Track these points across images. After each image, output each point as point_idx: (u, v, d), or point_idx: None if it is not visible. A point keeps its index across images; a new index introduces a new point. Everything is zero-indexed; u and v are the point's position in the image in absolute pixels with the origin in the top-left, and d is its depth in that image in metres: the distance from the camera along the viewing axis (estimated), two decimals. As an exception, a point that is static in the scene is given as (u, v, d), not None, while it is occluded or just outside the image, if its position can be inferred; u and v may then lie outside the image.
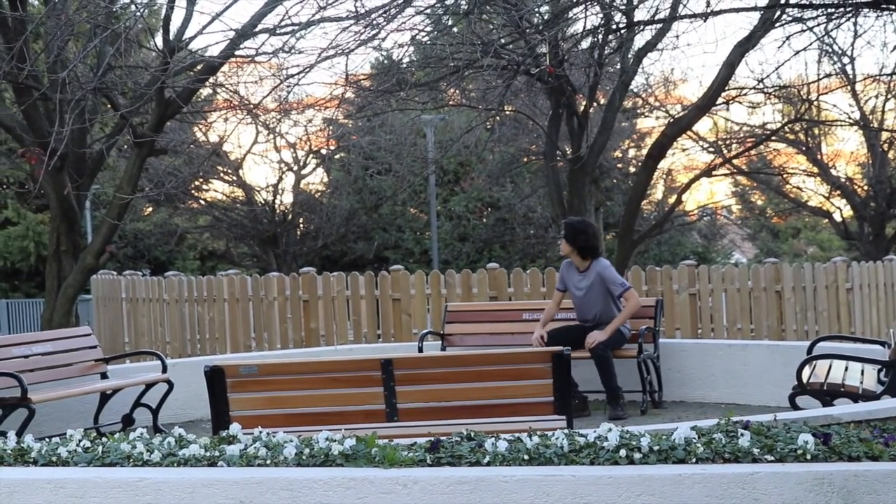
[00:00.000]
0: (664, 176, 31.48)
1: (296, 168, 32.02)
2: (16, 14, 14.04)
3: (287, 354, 12.15)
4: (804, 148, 26.77)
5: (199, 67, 15.29)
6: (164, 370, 9.82)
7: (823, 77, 22.00)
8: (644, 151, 26.03)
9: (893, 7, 12.37)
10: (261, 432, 5.15)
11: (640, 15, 15.66)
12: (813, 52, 21.42)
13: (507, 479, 4.50)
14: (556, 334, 9.93)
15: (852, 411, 5.90)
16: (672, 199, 27.29)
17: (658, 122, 27.79)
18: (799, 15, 14.26)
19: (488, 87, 17.92)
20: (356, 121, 28.83)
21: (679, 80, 28.76)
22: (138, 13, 14.58)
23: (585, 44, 17.07)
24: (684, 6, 14.67)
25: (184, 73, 15.24)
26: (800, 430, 4.90)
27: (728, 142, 26.07)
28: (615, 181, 32.22)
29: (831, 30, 16.62)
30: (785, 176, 28.77)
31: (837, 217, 29.05)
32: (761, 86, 20.33)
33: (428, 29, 15.24)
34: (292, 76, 13.56)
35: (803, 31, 15.31)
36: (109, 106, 16.37)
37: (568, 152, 18.46)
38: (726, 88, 18.23)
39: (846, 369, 8.18)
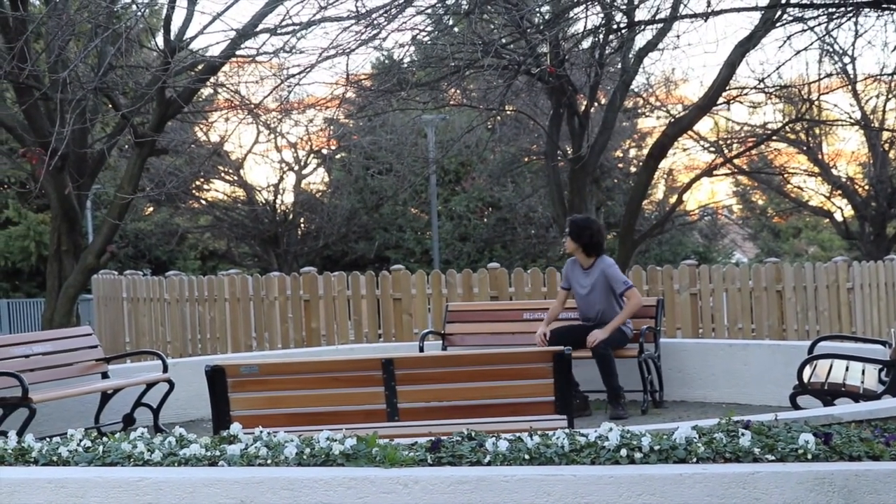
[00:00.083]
0: (665, 176, 31.47)
1: (297, 168, 32.03)
2: (17, 14, 14.05)
3: (288, 354, 12.15)
4: (805, 148, 26.78)
5: (199, 67, 15.29)
6: (165, 370, 9.82)
7: (824, 77, 21.99)
8: (645, 151, 26.03)
9: (894, 7, 12.36)
10: (261, 432, 5.15)
11: (641, 15, 15.67)
12: (814, 51, 21.42)
13: (507, 478, 4.50)
14: (559, 333, 9.93)
15: (853, 411, 5.90)
16: (673, 199, 27.30)
17: (659, 121, 27.82)
18: (800, 15, 14.25)
19: (489, 86, 17.91)
20: (357, 120, 28.85)
21: (680, 80, 28.75)
22: (139, 13, 14.59)
23: (586, 43, 17.08)
24: (685, 6, 14.69)
25: (185, 73, 15.24)
26: (801, 430, 4.90)
27: (729, 141, 26.08)
28: (616, 181, 32.22)
29: (832, 29, 16.61)
30: (786, 176, 28.77)
31: (838, 217, 29.06)
32: (762, 85, 20.33)
33: (429, 29, 15.23)
34: (293, 76, 13.56)
35: (804, 30, 15.31)
36: (110, 106, 16.38)
37: (569, 152, 18.47)
38: (727, 88, 18.23)
39: (847, 369, 8.17)
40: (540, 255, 32.68)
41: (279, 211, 31.36)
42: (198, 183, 31.67)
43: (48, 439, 5.29)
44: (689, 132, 22.77)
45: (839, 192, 27.89)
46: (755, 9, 14.30)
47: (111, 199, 18.89)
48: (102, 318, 17.00)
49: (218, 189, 33.20)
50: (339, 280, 14.88)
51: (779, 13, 14.94)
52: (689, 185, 24.87)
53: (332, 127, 29.75)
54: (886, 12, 13.41)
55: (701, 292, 14.29)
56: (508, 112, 22.20)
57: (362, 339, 14.58)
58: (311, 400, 6.92)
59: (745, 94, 20.91)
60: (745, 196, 35.93)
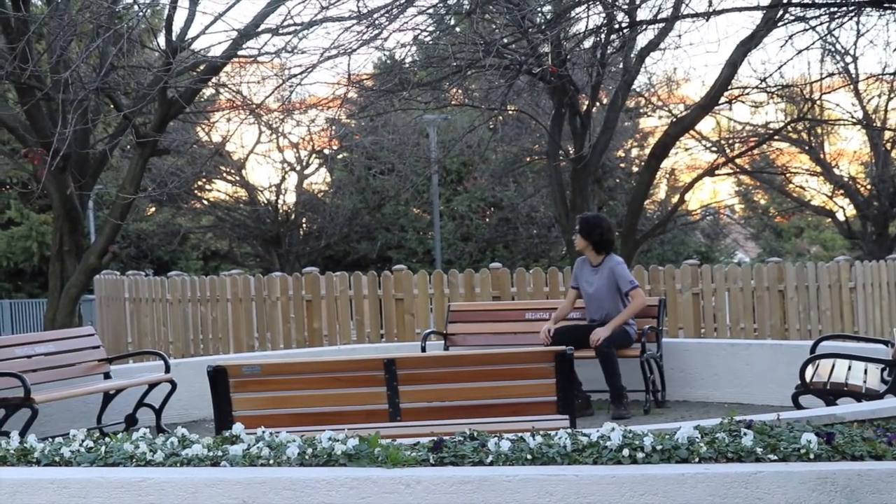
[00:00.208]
0: (667, 175, 31.47)
1: (299, 168, 32.03)
2: (19, 14, 14.05)
3: (290, 354, 12.15)
4: (807, 147, 26.78)
5: (201, 67, 15.29)
6: (167, 370, 9.82)
7: (826, 76, 22.00)
8: (647, 151, 26.02)
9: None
10: (264, 432, 5.15)
11: (643, 14, 15.66)
12: (815, 51, 21.42)
13: (510, 478, 4.50)
14: (562, 332, 9.94)
15: (855, 410, 5.90)
16: (675, 199, 27.29)
17: (661, 121, 27.81)
18: (801, 14, 14.25)
19: (491, 86, 17.91)
20: (359, 120, 28.85)
21: (682, 80, 28.85)
22: (141, 13, 14.58)
23: (588, 43, 17.08)
24: (686, 5, 14.66)
25: (186, 74, 15.24)
26: (803, 430, 4.89)
27: (731, 141, 26.08)
28: (618, 181, 32.22)
29: (834, 29, 16.60)
30: (788, 175, 28.76)
31: (840, 216, 29.06)
32: (764, 85, 20.32)
33: (430, 29, 15.23)
34: (295, 76, 13.56)
35: (806, 30, 15.32)
36: (112, 106, 16.38)
37: (571, 152, 18.45)
38: (729, 88, 18.22)
39: (849, 368, 8.17)
40: (542, 254, 32.68)
41: (281, 211, 31.37)
42: (200, 183, 31.68)
43: (50, 440, 5.29)
44: (691, 132, 22.77)
45: (841, 191, 27.89)
46: (757, 8, 14.31)
47: (113, 200, 18.90)
48: (104, 319, 17.01)
49: (220, 189, 33.23)
50: (341, 280, 14.88)
51: (780, 13, 14.94)
52: (691, 185, 24.86)
53: (333, 127, 29.76)
54: (888, 11, 13.39)
55: (703, 292, 14.29)
56: (510, 112, 22.19)
57: (364, 339, 14.58)
58: (313, 400, 6.92)
59: (747, 94, 20.92)
60: (747, 196, 35.93)
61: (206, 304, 15.36)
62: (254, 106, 17.77)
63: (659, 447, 4.68)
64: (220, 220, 31.70)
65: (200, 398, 9.50)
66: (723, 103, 19.78)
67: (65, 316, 15.62)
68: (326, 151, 32.29)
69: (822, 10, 13.44)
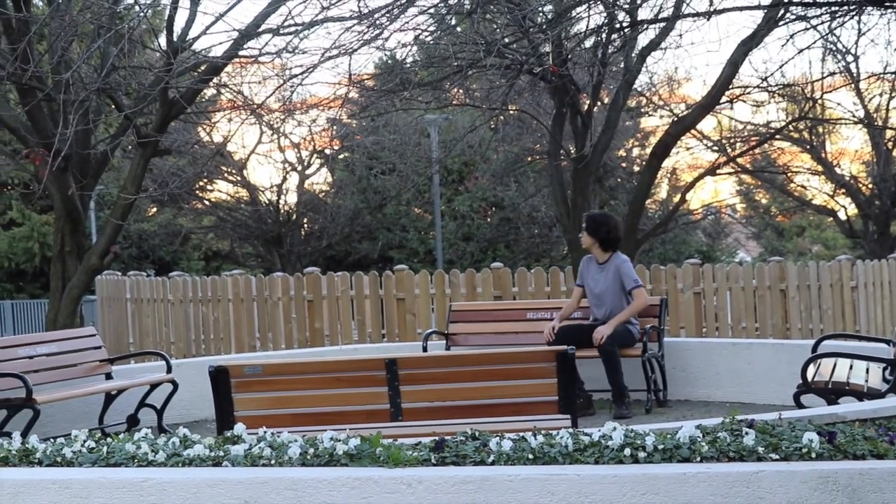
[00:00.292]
0: (668, 175, 31.47)
1: (300, 168, 32.04)
2: (19, 15, 14.05)
3: (291, 354, 12.16)
4: (808, 146, 26.77)
5: (202, 68, 15.29)
6: (169, 370, 9.82)
7: (827, 75, 21.98)
8: (648, 150, 26.00)
9: (897, 5, 12.33)
10: (265, 432, 5.15)
11: (644, 14, 15.64)
12: (817, 50, 21.42)
13: (511, 478, 4.50)
14: (566, 331, 9.95)
15: (857, 409, 5.90)
16: (676, 198, 27.29)
17: (662, 120, 27.78)
18: (802, 13, 14.23)
19: (492, 86, 17.91)
20: (360, 120, 28.85)
21: (683, 79, 28.84)
22: (142, 14, 14.58)
23: (589, 43, 17.06)
24: (687, 5, 14.64)
25: (187, 74, 15.24)
26: (805, 429, 4.89)
27: (732, 140, 26.07)
28: (619, 180, 32.21)
29: (835, 28, 16.59)
30: (789, 174, 28.76)
31: (842, 215, 29.05)
32: (765, 84, 20.32)
33: (431, 28, 15.21)
34: (296, 76, 13.54)
35: (807, 29, 15.30)
36: (113, 106, 16.37)
37: (572, 151, 18.44)
38: (730, 87, 18.21)
39: (851, 367, 8.17)
40: (543, 254, 32.68)
41: (282, 211, 31.37)
42: (201, 183, 31.68)
43: (52, 440, 5.29)
44: (693, 131, 22.76)
45: (842, 190, 27.88)
46: (758, 8, 14.29)
47: (114, 200, 18.89)
48: (106, 319, 17.01)
49: (221, 189, 33.24)
50: (342, 280, 14.89)
51: (781, 12, 14.92)
52: (692, 185, 24.87)
53: (335, 127, 29.76)
54: (889, 11, 13.38)
55: (704, 291, 14.29)
56: (511, 112, 22.18)
57: (366, 339, 14.59)
58: (314, 400, 6.92)
59: (748, 93, 20.91)
60: (748, 195, 35.92)
61: (207, 304, 15.37)
62: (255, 106, 17.77)
63: (660, 446, 4.68)
64: (221, 220, 31.70)
65: (202, 398, 9.50)
66: (724, 103, 19.77)
67: (66, 316, 15.62)
68: (328, 151, 32.29)
69: (823, 9, 13.42)
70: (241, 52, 14.84)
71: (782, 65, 29.53)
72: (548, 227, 31.77)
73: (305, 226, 33.01)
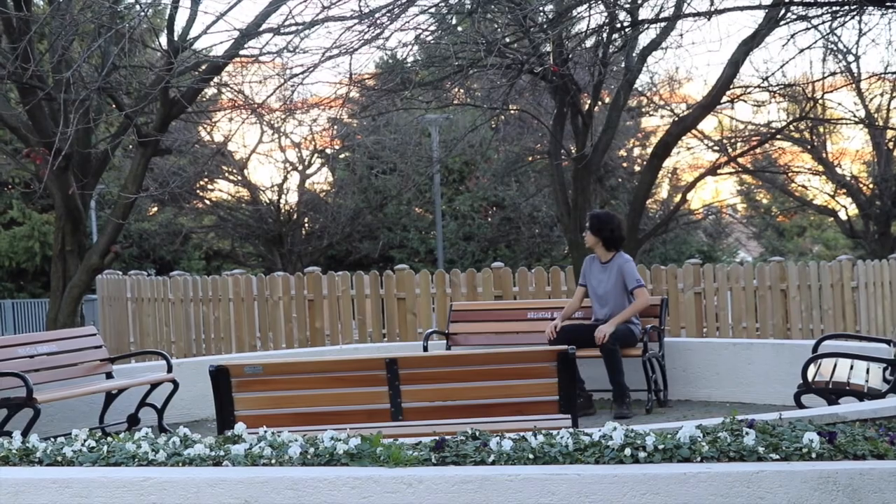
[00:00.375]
0: (669, 175, 31.47)
1: (300, 167, 32.02)
2: (20, 14, 14.05)
3: (292, 354, 12.16)
4: (809, 146, 26.76)
5: (203, 67, 15.28)
6: (170, 370, 9.82)
7: (828, 75, 21.94)
8: (649, 150, 26.01)
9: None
10: (266, 432, 5.15)
11: (645, 13, 15.62)
12: (818, 50, 21.41)
13: (511, 478, 4.50)
14: (568, 330, 9.95)
15: (857, 410, 5.90)
16: (677, 198, 27.26)
17: (663, 120, 27.79)
18: (803, 13, 14.21)
19: (493, 86, 17.89)
20: (361, 120, 28.84)
21: (684, 79, 28.85)
22: (143, 13, 14.58)
23: (590, 42, 17.05)
24: (688, 4, 14.62)
25: (188, 73, 15.23)
26: (805, 429, 4.89)
27: (733, 140, 26.05)
28: (620, 180, 32.20)
29: (836, 28, 16.56)
30: (790, 174, 28.75)
31: (843, 215, 29.03)
32: (766, 84, 20.30)
33: (432, 28, 15.22)
34: (296, 75, 13.52)
35: (808, 29, 15.27)
36: (114, 106, 16.36)
37: (572, 151, 18.44)
38: (731, 87, 18.18)
39: (851, 368, 8.17)
40: (544, 254, 32.67)
41: (283, 211, 31.36)
42: (202, 183, 31.67)
43: (53, 439, 5.29)
44: (693, 131, 22.74)
45: (843, 190, 27.87)
46: (758, 7, 14.27)
47: (115, 199, 18.88)
48: (107, 319, 17.02)
49: (222, 189, 33.22)
50: (343, 280, 14.89)
51: (782, 12, 14.91)
52: (693, 184, 24.83)
53: (335, 126, 29.75)
54: (890, 10, 13.37)
55: (705, 291, 14.29)
56: (512, 111, 22.16)
57: (366, 338, 14.59)
58: (315, 400, 6.92)
59: (749, 93, 20.88)
60: (749, 195, 35.91)
61: (208, 303, 15.37)
62: (255, 105, 17.76)
63: (661, 446, 4.68)
64: (222, 219, 31.69)
65: (202, 398, 9.50)
66: (725, 102, 19.74)
67: (67, 316, 15.61)
68: (328, 151, 32.27)
69: (824, 9, 13.41)
70: (241, 52, 14.84)
71: (783, 65, 29.53)
72: (548, 227, 31.76)
73: (306, 225, 33.00)
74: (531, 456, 4.70)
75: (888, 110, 25.67)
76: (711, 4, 12.35)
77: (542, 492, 4.46)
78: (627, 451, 4.65)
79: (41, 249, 32.95)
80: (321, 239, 31.84)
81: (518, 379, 6.87)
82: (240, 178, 31.31)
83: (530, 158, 29.31)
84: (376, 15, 11.14)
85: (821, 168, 27.62)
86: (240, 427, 5.22)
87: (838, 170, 27.82)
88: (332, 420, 6.53)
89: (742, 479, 4.43)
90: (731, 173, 27.51)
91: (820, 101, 22.68)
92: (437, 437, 4.92)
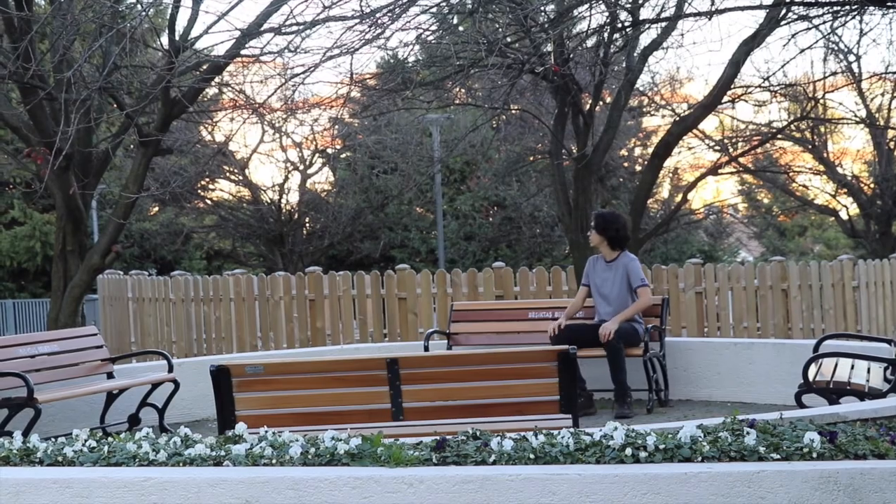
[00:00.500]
0: (670, 174, 31.46)
1: (302, 167, 32.01)
2: (21, 14, 14.05)
3: (293, 354, 12.16)
4: (810, 146, 26.76)
5: (204, 67, 15.28)
6: (171, 370, 9.82)
7: (829, 75, 21.97)
8: (650, 150, 25.99)
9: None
10: (266, 432, 5.15)
11: (646, 13, 15.62)
12: (819, 50, 21.44)
13: (512, 478, 4.50)
14: (571, 329, 9.95)
15: (858, 409, 5.90)
16: (678, 198, 27.25)
17: (664, 120, 27.79)
18: (804, 13, 14.22)
19: (494, 85, 17.89)
20: (362, 120, 28.84)
21: (685, 79, 28.75)
22: (144, 13, 14.58)
23: (591, 42, 17.05)
24: (689, 4, 14.62)
25: (189, 73, 15.24)
26: (806, 429, 4.89)
27: (734, 140, 26.05)
28: (621, 180, 32.20)
29: (837, 28, 16.60)
30: (791, 174, 28.75)
31: (844, 215, 29.03)
32: (767, 84, 20.31)
33: (433, 28, 15.22)
34: (297, 75, 13.53)
35: (809, 29, 15.28)
36: (115, 105, 16.37)
37: (574, 151, 18.44)
38: (732, 87, 18.18)
39: (852, 367, 8.17)
40: (545, 254, 32.67)
41: (284, 210, 31.36)
42: (203, 183, 31.66)
43: (53, 439, 5.29)
44: (694, 131, 22.74)
45: (844, 190, 27.87)
46: (759, 7, 14.27)
47: (116, 199, 18.90)
48: (108, 318, 17.03)
49: (223, 189, 33.22)
50: (344, 279, 14.89)
51: (783, 11, 14.91)
52: (694, 184, 24.83)
53: (336, 126, 29.74)
54: (891, 10, 13.37)
55: (706, 291, 14.29)
56: (513, 111, 22.17)
57: (367, 338, 14.59)
58: (316, 400, 6.92)
59: (750, 93, 20.88)
60: (750, 195, 35.90)
61: (209, 303, 15.37)
62: (257, 105, 17.77)
63: (662, 446, 4.68)
64: (223, 219, 31.68)
65: (203, 398, 9.50)
66: (726, 102, 19.74)
67: (68, 316, 15.62)
68: (329, 151, 32.27)
69: (825, 8, 13.41)
70: (242, 52, 14.84)
71: (784, 64, 29.62)
72: (550, 227, 31.75)
73: (307, 225, 32.99)
74: (532, 456, 4.70)
75: (889, 110, 25.68)
76: (712, 4, 12.36)
77: (543, 492, 4.46)
78: (628, 451, 4.65)
79: (42, 249, 32.95)
80: (322, 239, 31.83)
81: (519, 379, 6.87)
82: (241, 177, 31.30)
83: (531, 158, 29.30)
84: (377, 15, 11.14)
85: (822, 168, 27.62)
86: (241, 427, 5.22)
87: (839, 169, 27.82)
88: (333, 420, 6.53)
89: (743, 478, 4.43)
90: (732, 173, 27.51)
91: (821, 101, 22.70)
92: (437, 437, 4.92)
